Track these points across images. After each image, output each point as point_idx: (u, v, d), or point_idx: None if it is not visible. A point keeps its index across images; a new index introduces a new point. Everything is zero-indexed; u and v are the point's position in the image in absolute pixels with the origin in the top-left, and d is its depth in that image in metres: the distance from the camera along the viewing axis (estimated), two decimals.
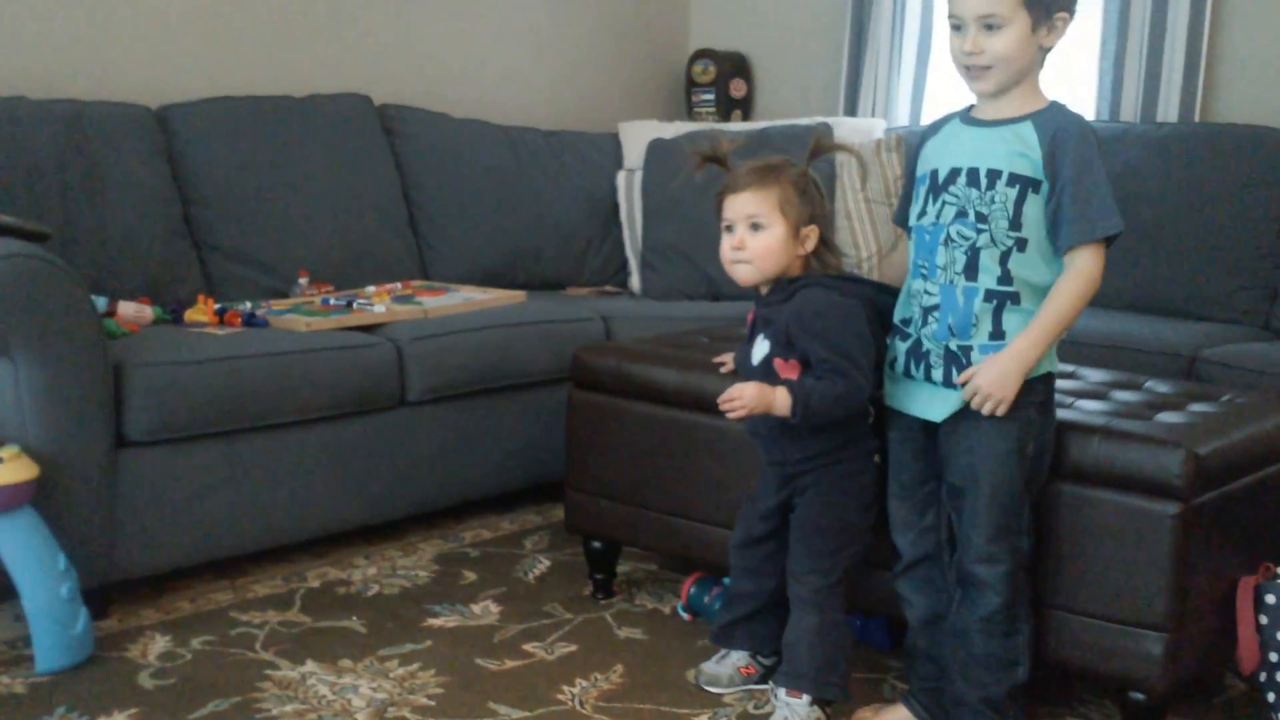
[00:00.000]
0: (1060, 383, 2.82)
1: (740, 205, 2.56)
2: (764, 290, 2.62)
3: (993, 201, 2.35)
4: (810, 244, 2.57)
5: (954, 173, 2.41)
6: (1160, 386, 2.90)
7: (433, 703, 2.62)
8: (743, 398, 2.47)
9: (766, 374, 2.55)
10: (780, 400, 2.46)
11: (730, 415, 2.51)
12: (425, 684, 2.71)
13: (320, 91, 4.39)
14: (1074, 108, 2.42)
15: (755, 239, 2.55)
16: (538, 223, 4.62)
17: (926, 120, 5.22)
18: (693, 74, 5.59)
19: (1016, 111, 2.39)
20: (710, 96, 5.55)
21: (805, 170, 2.60)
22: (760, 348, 2.59)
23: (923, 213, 2.46)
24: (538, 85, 5.27)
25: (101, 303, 3.19)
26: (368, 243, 4.25)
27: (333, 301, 3.77)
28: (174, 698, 2.63)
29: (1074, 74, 4.73)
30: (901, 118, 5.14)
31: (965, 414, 2.38)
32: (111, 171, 3.71)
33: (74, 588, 2.73)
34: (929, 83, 5.14)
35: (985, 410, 2.33)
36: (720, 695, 2.70)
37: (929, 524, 2.53)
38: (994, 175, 2.36)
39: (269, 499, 3.29)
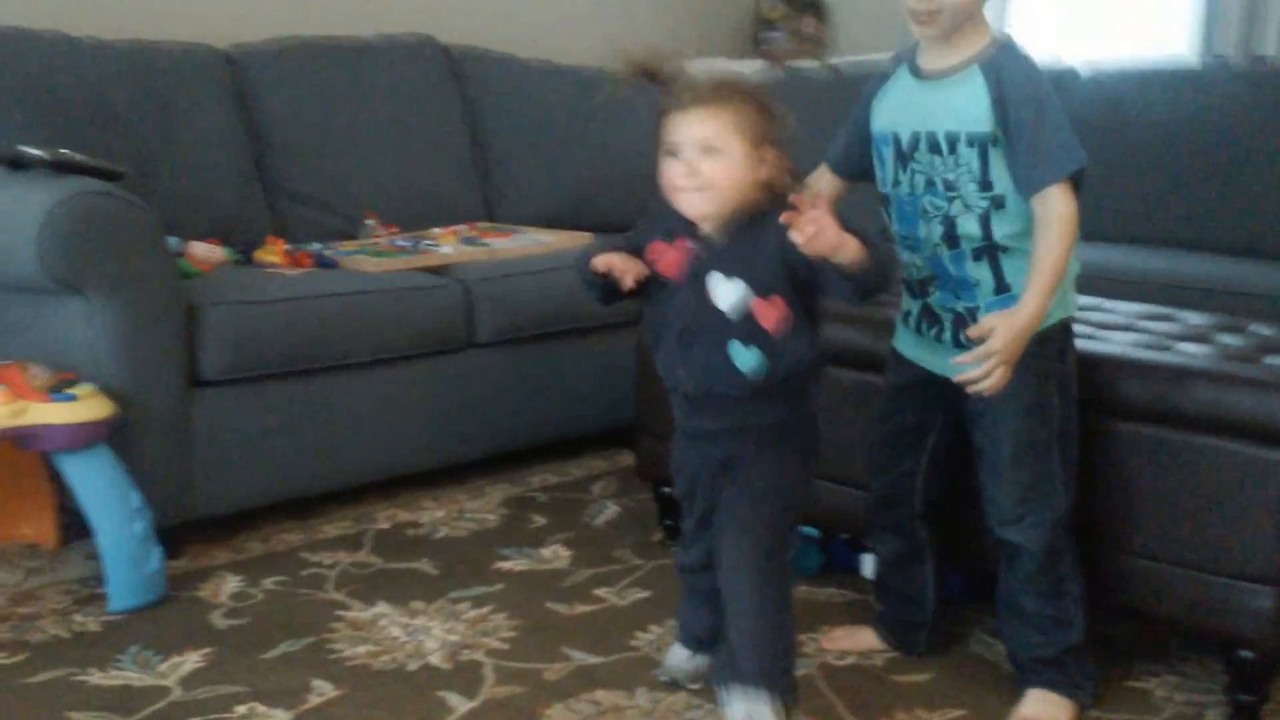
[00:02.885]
0: (1159, 325, 2.77)
1: (688, 127, 2.13)
2: (713, 227, 2.19)
3: (957, 166, 2.26)
4: (768, 168, 2.15)
5: (915, 139, 2.31)
6: (1265, 330, 2.80)
7: (506, 646, 2.61)
8: (820, 226, 2.00)
9: (743, 323, 2.16)
10: (853, 242, 2.03)
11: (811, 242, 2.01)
12: (498, 627, 2.69)
13: (386, 32, 4.35)
14: (1162, 45, 2.34)
15: (708, 164, 2.12)
16: (604, 165, 4.59)
17: None
18: (762, 10, 5.51)
19: (962, 57, 2.27)
20: (780, 34, 5.47)
21: (766, 86, 2.24)
22: (729, 291, 2.16)
23: (896, 181, 2.36)
24: (605, 25, 5.22)
25: (173, 243, 3.17)
26: (434, 185, 4.23)
27: (400, 243, 3.75)
28: (246, 638, 2.62)
29: (1164, 6, 4.63)
30: None
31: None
32: (182, 113, 3.70)
33: (147, 527, 2.73)
34: (1008, 16, 5.04)
35: (994, 380, 2.20)
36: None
37: (905, 470, 2.51)
38: (953, 139, 2.26)
39: (338, 440, 3.28)
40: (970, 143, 2.25)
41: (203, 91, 3.78)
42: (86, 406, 2.66)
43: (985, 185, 2.25)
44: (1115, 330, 2.72)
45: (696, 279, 2.19)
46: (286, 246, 3.59)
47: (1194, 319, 2.90)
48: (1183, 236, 4.22)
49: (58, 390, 2.65)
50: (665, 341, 2.25)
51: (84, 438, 2.66)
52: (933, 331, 2.40)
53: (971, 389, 2.22)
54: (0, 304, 2.98)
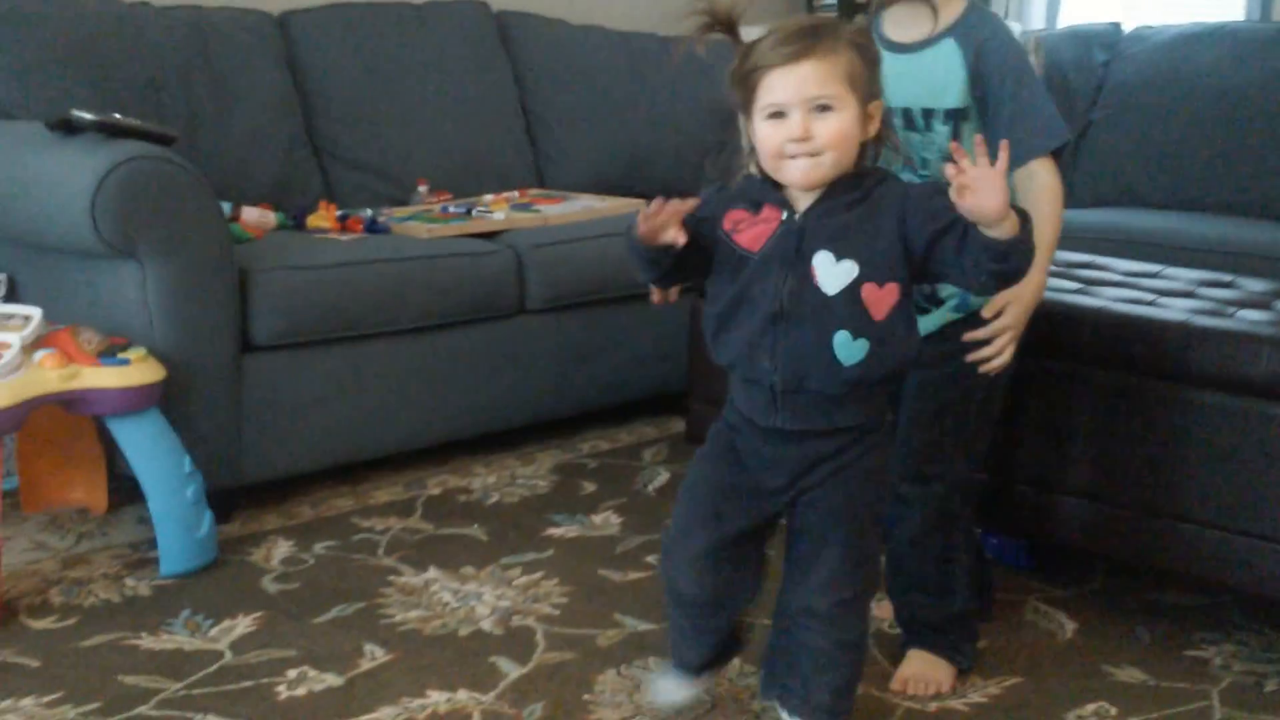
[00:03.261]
0: (1219, 292, 2.75)
1: (797, 83, 1.85)
2: (812, 196, 1.93)
3: (932, 144, 2.19)
4: (874, 125, 1.92)
5: (887, 114, 2.05)
6: None
7: (557, 612, 2.59)
8: (980, 179, 1.76)
9: (851, 310, 1.88)
10: (1010, 215, 1.79)
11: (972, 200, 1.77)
12: (549, 593, 2.68)
13: None
14: (1219, 9, 2.29)
15: (825, 123, 1.86)
16: (655, 130, 4.57)
17: (1064, 23, 5.10)
18: None
19: (934, 25, 2.17)
20: None
21: (864, 29, 2.01)
22: (839, 274, 1.89)
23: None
24: None
25: (225, 208, 3.16)
26: (485, 151, 4.21)
27: (452, 209, 3.74)
28: (298, 602, 2.62)
29: None
30: (1037, 20, 5.00)
31: (932, 337, 2.20)
32: (234, 78, 3.69)
33: (199, 491, 2.73)
34: None
35: (1006, 356, 2.17)
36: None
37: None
38: (929, 115, 2.19)
39: (389, 406, 3.27)
40: (946, 118, 2.18)
41: (254, 56, 3.77)
42: (138, 370, 2.66)
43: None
44: (1176, 297, 2.68)
45: (798, 257, 1.90)
46: (338, 212, 3.58)
47: (1254, 285, 2.85)
48: (1236, 202, 4.17)
49: (109, 354, 2.65)
50: (744, 325, 1.94)
51: (135, 402, 2.65)
52: None
53: (984, 368, 2.18)
54: (53, 267, 2.99)
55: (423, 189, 3.91)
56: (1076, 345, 2.52)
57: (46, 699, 2.21)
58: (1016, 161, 2.10)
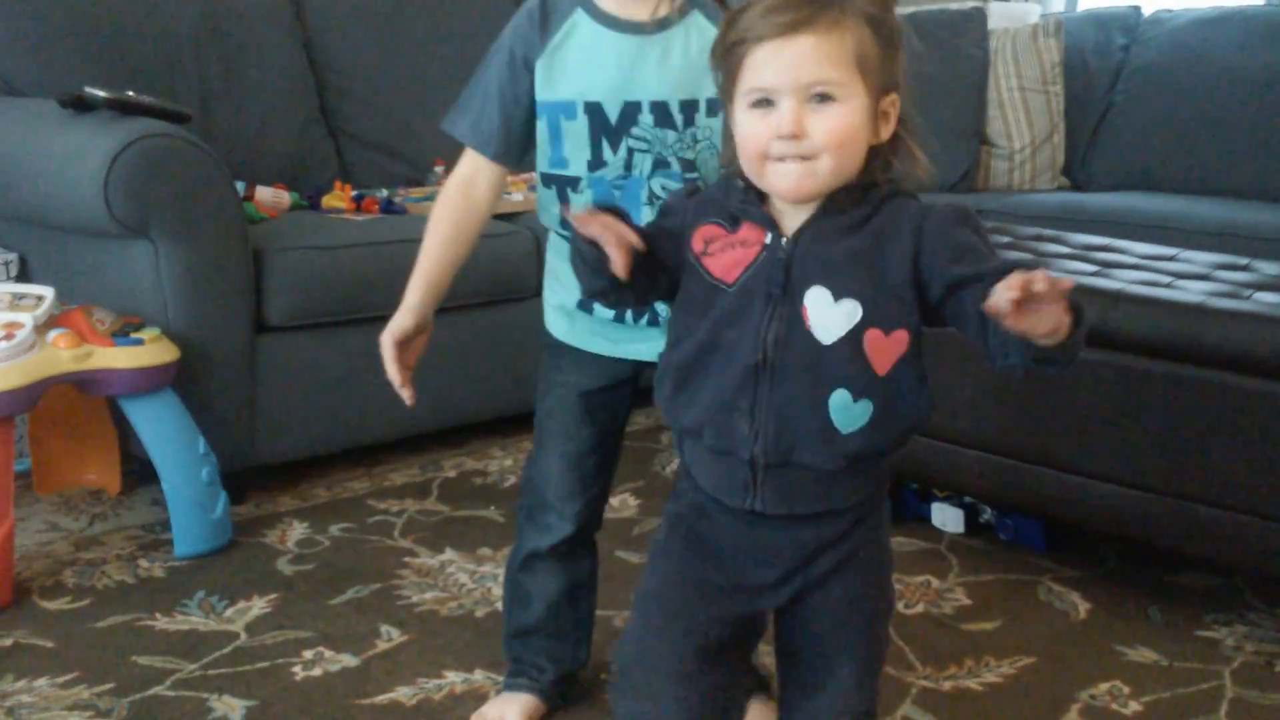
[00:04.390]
0: (1235, 275, 2.72)
1: (791, 63, 1.42)
2: (808, 214, 1.49)
3: (696, 140, 1.81)
4: (890, 125, 1.49)
5: (632, 109, 1.80)
6: None
7: None
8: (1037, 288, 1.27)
9: (851, 363, 1.44)
10: (1064, 321, 1.31)
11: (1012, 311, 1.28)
12: None
13: None
14: None
15: (823, 118, 1.42)
16: None
17: (1086, 5, 5.07)
18: None
19: (670, 2, 1.81)
20: None
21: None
22: (837, 317, 1.45)
23: (599, 162, 1.83)
24: None
25: (239, 188, 3.16)
26: None
27: None
28: (313, 584, 2.61)
29: None
30: (1056, 3, 4.97)
31: None
32: (249, 57, 3.69)
33: (213, 472, 2.72)
34: None
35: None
36: None
37: (595, 494, 2.08)
38: (690, 107, 1.80)
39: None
40: (713, 111, 1.80)
41: (269, 34, 3.77)
42: (151, 351, 2.65)
43: (733, 160, 1.71)
44: (1192, 280, 2.66)
45: (786, 293, 1.47)
46: (353, 192, 3.58)
47: (1270, 268, 2.84)
48: (1255, 185, 4.15)
49: (123, 334, 2.64)
50: (715, 380, 1.50)
51: (149, 382, 2.65)
52: (644, 319, 1.92)
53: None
54: (65, 247, 2.99)
55: (439, 169, 3.90)
56: (1094, 328, 2.50)
57: (61, 679, 2.21)
58: None
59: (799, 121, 1.42)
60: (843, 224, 1.47)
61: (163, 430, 2.67)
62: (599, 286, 1.54)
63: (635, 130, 1.81)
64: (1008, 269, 1.34)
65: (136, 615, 2.45)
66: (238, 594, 2.55)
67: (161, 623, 2.43)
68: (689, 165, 1.82)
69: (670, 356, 1.55)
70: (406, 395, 1.92)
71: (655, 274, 1.54)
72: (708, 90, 1.74)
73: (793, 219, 1.50)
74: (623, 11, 1.80)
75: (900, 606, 2.55)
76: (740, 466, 1.51)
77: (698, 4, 1.81)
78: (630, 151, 1.81)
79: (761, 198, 1.51)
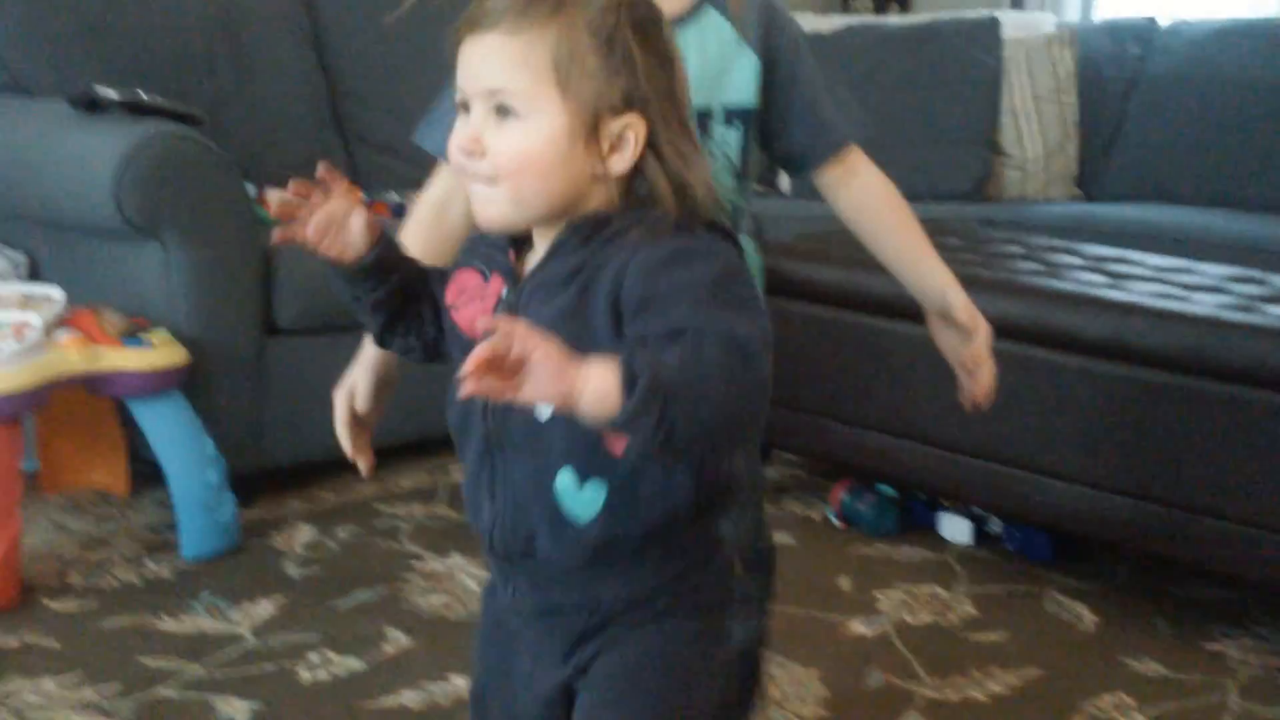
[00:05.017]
0: (1247, 288, 2.72)
1: (472, 63, 1.21)
2: (541, 251, 1.24)
3: (710, 156, 1.55)
4: (626, 152, 1.20)
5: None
6: None
7: None
8: (512, 348, 1.03)
9: (571, 438, 1.19)
10: (595, 380, 1.05)
11: (469, 392, 1.03)
12: None
13: None
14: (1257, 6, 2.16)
15: (499, 136, 1.19)
16: None
17: (1101, 15, 5.06)
18: None
19: None
20: None
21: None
22: None
23: None
24: None
25: (250, 190, 3.16)
26: None
27: None
28: (320, 587, 2.61)
29: None
30: (1071, 13, 4.96)
31: None
32: (260, 58, 3.69)
33: (221, 474, 2.72)
34: None
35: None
36: None
37: None
38: (703, 117, 1.57)
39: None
40: (730, 120, 1.62)
41: (280, 36, 3.77)
42: (160, 353, 2.65)
43: (740, 173, 1.65)
44: (1205, 292, 2.66)
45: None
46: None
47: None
48: (1269, 198, 4.15)
49: (131, 336, 2.64)
50: (468, 450, 1.30)
51: (157, 384, 2.65)
52: None
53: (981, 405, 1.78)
54: (75, 248, 2.99)
55: None
56: (1105, 340, 2.50)
57: (66, 680, 2.21)
58: (827, 153, 1.72)
59: (476, 135, 1.20)
60: (560, 273, 1.20)
61: (171, 432, 2.67)
62: (355, 304, 1.36)
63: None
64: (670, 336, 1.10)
65: (143, 617, 2.45)
66: (244, 596, 2.55)
67: (168, 624, 2.42)
68: None
69: (451, 423, 1.32)
70: (362, 465, 1.57)
71: (417, 309, 1.37)
72: (723, 96, 1.61)
73: (531, 263, 1.26)
74: None
75: (907, 616, 2.54)
76: (489, 551, 1.33)
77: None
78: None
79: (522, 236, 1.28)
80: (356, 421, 1.57)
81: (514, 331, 1.03)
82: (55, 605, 2.49)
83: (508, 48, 1.17)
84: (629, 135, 1.19)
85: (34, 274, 3.10)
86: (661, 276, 1.14)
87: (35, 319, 2.56)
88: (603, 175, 1.20)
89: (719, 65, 1.58)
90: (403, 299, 1.37)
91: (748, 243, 1.64)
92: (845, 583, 2.71)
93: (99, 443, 2.96)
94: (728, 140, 1.63)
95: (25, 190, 2.94)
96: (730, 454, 1.30)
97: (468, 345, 1.16)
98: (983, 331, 1.73)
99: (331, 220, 1.30)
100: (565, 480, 1.22)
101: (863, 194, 1.74)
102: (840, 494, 3.02)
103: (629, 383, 1.04)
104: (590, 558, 1.24)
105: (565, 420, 1.12)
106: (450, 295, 1.33)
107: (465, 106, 1.21)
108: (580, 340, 1.11)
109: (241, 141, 3.50)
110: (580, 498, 1.22)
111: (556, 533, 1.24)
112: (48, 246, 3.08)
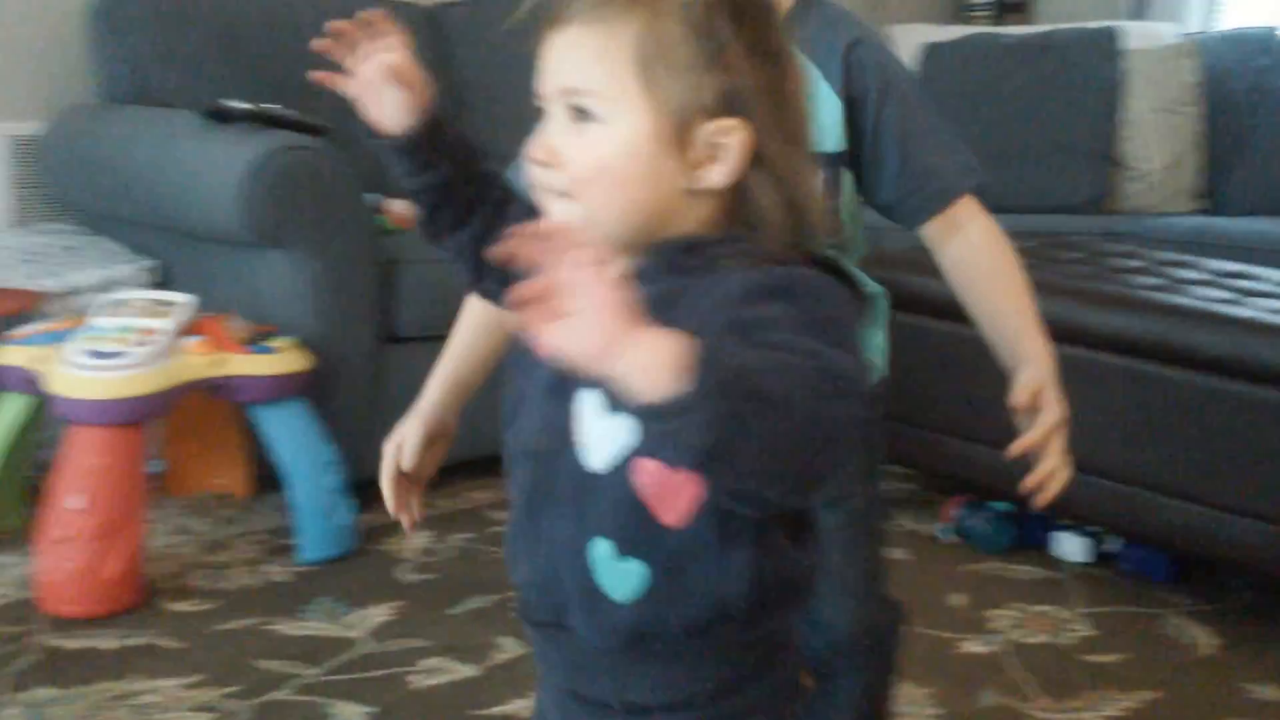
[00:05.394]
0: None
1: (553, 61, 1.06)
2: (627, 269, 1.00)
3: None
4: (725, 164, 1.02)
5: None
6: None
7: None
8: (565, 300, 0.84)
9: (620, 501, 1.02)
10: (648, 346, 0.83)
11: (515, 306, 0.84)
12: None
13: None
14: None
15: (575, 142, 1.04)
16: None
17: (1225, 25, 4.98)
18: None
19: None
20: None
21: None
22: (606, 428, 1.01)
23: None
24: None
25: (372, 199, 3.20)
26: None
27: None
28: (434, 593, 2.64)
29: None
30: (1194, 23, 4.88)
31: None
32: None
33: (339, 480, 2.76)
34: None
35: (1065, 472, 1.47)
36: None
37: None
38: None
39: None
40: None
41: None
42: (284, 359, 2.70)
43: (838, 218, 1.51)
44: (1260, 298, 2.64)
45: (560, 390, 1.04)
46: None
47: None
48: None
49: (256, 343, 2.70)
50: (515, 479, 1.13)
51: (280, 390, 2.70)
52: None
53: (1043, 496, 1.47)
54: (204, 256, 3.04)
55: None
56: (1225, 357, 2.46)
57: (186, 680, 2.25)
58: (926, 208, 1.56)
59: (550, 142, 1.05)
60: (641, 300, 0.89)
61: (292, 437, 2.72)
62: (409, 181, 1.22)
63: None
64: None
65: (260, 619, 2.49)
66: (359, 601, 2.58)
67: (284, 627, 2.46)
68: None
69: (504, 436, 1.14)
70: (405, 522, 1.48)
71: (475, 213, 1.20)
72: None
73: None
74: None
75: (1020, 636, 2.52)
76: (526, 622, 1.16)
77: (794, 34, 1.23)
78: None
79: None
80: (404, 477, 1.48)
81: (577, 259, 0.84)
82: (176, 606, 2.54)
83: (585, 40, 1.03)
84: (728, 144, 1.01)
85: (166, 281, 3.17)
86: (755, 306, 0.94)
87: (164, 325, 2.61)
88: (698, 191, 1.03)
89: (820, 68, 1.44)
90: (451, 198, 1.20)
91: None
92: (958, 600, 2.69)
93: (222, 446, 3.01)
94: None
95: (157, 199, 3.00)
96: (796, 505, 1.04)
97: (534, 359, 1.01)
98: (1048, 418, 1.48)
99: (369, 78, 1.19)
100: (603, 549, 1.05)
101: (962, 253, 1.57)
102: (954, 510, 3.00)
103: (692, 361, 0.83)
104: (624, 644, 1.07)
105: (618, 476, 1.00)
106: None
107: (544, 111, 1.07)
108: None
109: (364, 152, 3.54)
110: (617, 572, 1.05)
111: (588, 607, 1.06)
112: (179, 255, 3.14)
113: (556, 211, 1.05)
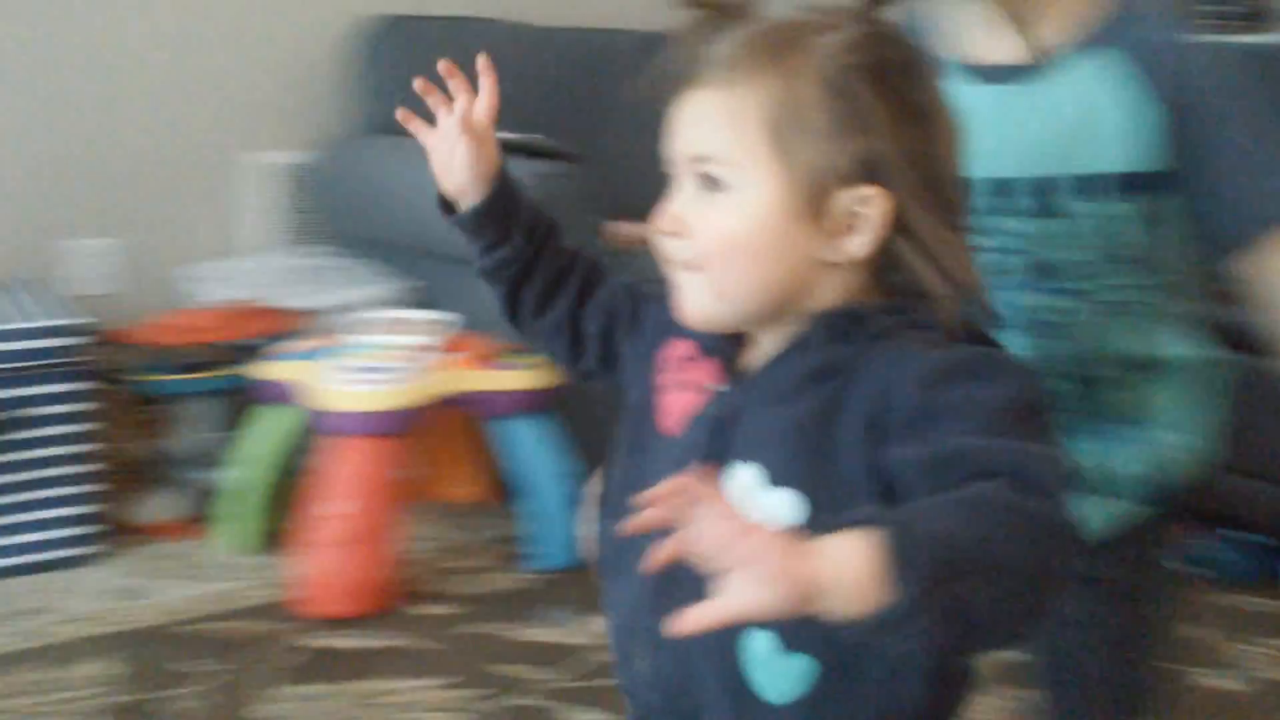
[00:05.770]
0: None
1: (683, 126, 1.02)
2: (765, 345, 1.03)
3: (1064, 238, 1.29)
4: (864, 235, 0.97)
5: (1001, 187, 1.28)
6: None
7: None
8: (713, 532, 0.77)
9: None
10: (844, 566, 0.76)
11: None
12: None
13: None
14: None
15: (704, 212, 0.99)
16: None
17: None
18: None
19: (1062, 27, 1.27)
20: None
21: (875, 32, 0.99)
22: (763, 507, 0.96)
23: None
24: None
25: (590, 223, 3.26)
26: None
27: None
28: None
29: None
30: None
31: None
32: (611, 98, 3.78)
33: (577, 492, 2.81)
34: None
35: None
36: None
37: None
38: (1058, 187, 1.28)
39: None
40: (1094, 191, 1.28)
41: (635, 76, 3.84)
42: (532, 376, 2.77)
43: (1141, 268, 1.31)
44: None
45: (708, 461, 0.99)
46: None
47: None
48: None
49: (506, 360, 2.77)
50: (624, 578, 1.05)
51: (527, 405, 2.77)
52: None
53: None
54: (462, 277, 3.07)
55: None
56: None
57: (428, 683, 2.32)
58: (1240, 236, 1.30)
59: (678, 212, 1.01)
60: (799, 373, 0.97)
61: (536, 449, 2.79)
62: (478, 256, 1.22)
63: (1000, 219, 1.30)
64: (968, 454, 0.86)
65: (496, 624, 2.55)
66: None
67: (519, 633, 2.52)
68: (1049, 272, 1.30)
69: (602, 524, 1.09)
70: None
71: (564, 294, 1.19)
72: (1098, 162, 1.26)
73: (757, 358, 1.03)
74: (984, 53, 1.31)
75: (1273, 673, 2.44)
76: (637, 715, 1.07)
77: (1101, 38, 1.26)
78: (997, 249, 1.30)
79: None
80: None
81: (714, 514, 0.77)
82: (419, 610, 2.61)
83: (716, 105, 0.98)
84: (866, 213, 0.95)
85: (428, 301, 3.26)
86: (946, 389, 0.90)
87: (426, 342, 2.73)
88: (836, 261, 0.97)
89: (1081, 124, 1.26)
90: (530, 276, 1.20)
91: (1191, 342, 1.36)
92: (1203, 634, 2.60)
93: (463, 456, 3.08)
94: (1085, 218, 1.28)
95: (416, 225, 3.09)
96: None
97: (651, 437, 1.05)
98: None
99: (445, 130, 1.15)
100: (760, 644, 0.96)
101: (1272, 292, 1.30)
102: (1198, 539, 2.91)
103: (896, 564, 0.75)
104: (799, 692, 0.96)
105: None
106: (660, 367, 1.09)
107: (674, 178, 1.02)
108: (816, 458, 0.93)
109: (599, 177, 3.61)
110: (777, 670, 0.96)
111: (736, 711, 0.97)
112: (439, 276, 3.23)
113: (682, 284, 1.01)
